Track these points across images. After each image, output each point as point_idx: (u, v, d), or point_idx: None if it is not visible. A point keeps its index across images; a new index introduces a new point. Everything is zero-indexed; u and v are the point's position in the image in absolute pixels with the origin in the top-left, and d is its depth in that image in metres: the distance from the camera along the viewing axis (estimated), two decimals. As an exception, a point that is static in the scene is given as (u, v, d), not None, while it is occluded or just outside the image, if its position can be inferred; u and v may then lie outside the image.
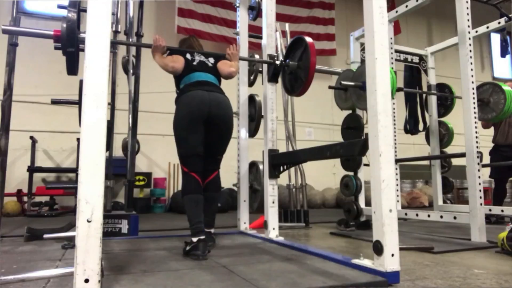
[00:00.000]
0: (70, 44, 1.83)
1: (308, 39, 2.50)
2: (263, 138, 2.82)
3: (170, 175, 6.81)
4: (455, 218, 2.96)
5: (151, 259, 2.03)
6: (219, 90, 2.46)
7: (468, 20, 2.92)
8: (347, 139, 3.60)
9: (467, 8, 2.94)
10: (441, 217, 3.09)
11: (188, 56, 2.52)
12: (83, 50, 1.49)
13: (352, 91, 3.27)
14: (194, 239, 2.13)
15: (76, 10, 1.88)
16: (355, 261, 1.77)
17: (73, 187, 4.76)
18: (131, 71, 3.73)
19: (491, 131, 4.58)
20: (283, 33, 4.89)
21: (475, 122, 2.86)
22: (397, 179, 3.86)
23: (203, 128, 2.31)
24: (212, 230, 2.52)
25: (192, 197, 2.27)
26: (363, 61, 3.95)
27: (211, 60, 2.59)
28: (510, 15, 3.71)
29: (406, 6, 3.48)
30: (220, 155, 2.54)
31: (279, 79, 2.83)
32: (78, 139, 4.85)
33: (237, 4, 3.43)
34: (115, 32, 3.61)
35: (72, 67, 1.93)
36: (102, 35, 1.44)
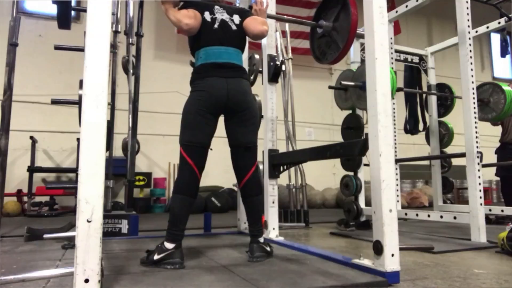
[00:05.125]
0: None
1: None
2: (263, 138, 2.82)
3: (170, 175, 6.81)
4: (455, 218, 2.96)
5: (151, 259, 2.02)
6: (238, 72, 2.09)
7: (468, 20, 2.92)
8: (347, 139, 3.60)
9: (467, 8, 2.94)
10: (441, 217, 3.09)
11: (207, 15, 2.07)
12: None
13: (352, 91, 3.28)
14: (169, 246, 1.84)
15: None
16: (355, 261, 1.77)
17: (73, 187, 4.76)
18: (131, 71, 3.73)
19: (494, 131, 4.58)
20: (283, 33, 4.89)
21: (475, 122, 2.86)
22: (397, 179, 3.86)
23: (216, 121, 2.06)
24: (261, 239, 2.10)
25: (185, 200, 1.94)
26: (363, 61, 3.95)
27: (236, 19, 2.14)
28: (510, 15, 3.71)
29: (406, 6, 3.49)
30: (251, 144, 2.13)
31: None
32: (78, 139, 4.84)
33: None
34: (115, 32, 3.61)
35: (64, 19, 1.60)
36: (102, 35, 1.44)
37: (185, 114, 2.01)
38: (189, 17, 1.99)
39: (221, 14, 2.12)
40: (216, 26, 2.07)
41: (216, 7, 2.13)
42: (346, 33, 2.02)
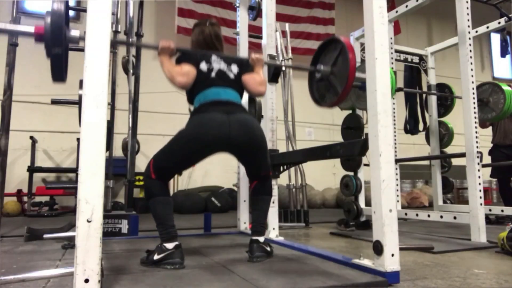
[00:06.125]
0: (55, 42, 1.48)
1: (344, 39, 2.06)
2: (263, 138, 2.82)
3: (170, 175, 6.80)
4: (455, 218, 2.96)
5: (151, 259, 2.02)
6: (241, 109, 2.03)
7: (468, 20, 2.92)
8: (347, 139, 3.60)
9: (467, 8, 2.94)
10: (441, 217, 3.09)
11: (204, 65, 2.04)
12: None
13: (352, 91, 3.27)
14: (169, 246, 1.82)
15: (64, 2, 1.52)
16: (355, 261, 1.77)
17: (73, 187, 4.77)
18: (131, 71, 3.73)
19: (489, 131, 4.59)
20: (283, 33, 4.90)
21: (475, 122, 2.86)
22: (397, 179, 3.86)
23: (205, 157, 2.01)
24: (261, 239, 2.07)
25: (160, 199, 1.89)
26: (363, 61, 3.95)
27: (234, 69, 2.12)
28: (510, 15, 3.71)
29: (406, 6, 3.48)
30: (264, 172, 2.15)
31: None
32: (78, 139, 4.84)
33: (237, 4, 3.43)
34: (115, 32, 3.61)
35: (59, 72, 1.58)
36: (102, 35, 1.44)
37: (175, 145, 1.93)
38: (181, 75, 1.95)
39: (218, 64, 2.08)
40: (213, 75, 2.04)
41: (213, 56, 2.09)
42: (344, 78, 2.00)
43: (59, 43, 1.50)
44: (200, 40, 2.17)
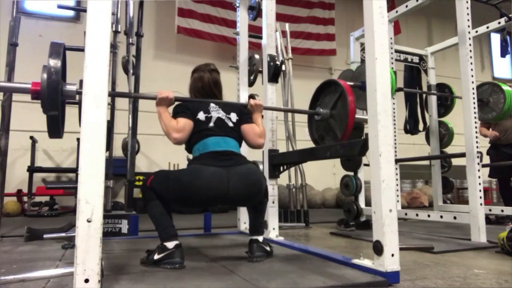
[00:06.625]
0: (52, 105, 1.48)
1: (343, 83, 2.08)
2: (263, 138, 2.82)
3: (170, 175, 6.80)
4: (455, 218, 2.96)
5: (151, 259, 2.02)
6: (240, 159, 2.02)
7: (468, 20, 2.92)
8: (347, 139, 3.60)
9: (467, 8, 2.94)
10: (441, 217, 3.09)
11: (202, 115, 2.03)
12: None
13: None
14: (170, 245, 1.81)
15: (61, 58, 1.50)
16: (355, 261, 1.77)
17: (73, 187, 4.76)
18: (131, 71, 3.73)
19: None
20: (283, 33, 4.90)
21: (475, 122, 2.86)
22: (397, 179, 3.86)
23: (201, 207, 1.96)
24: (260, 238, 2.08)
25: (157, 202, 1.90)
26: (363, 61, 3.95)
27: (233, 117, 2.12)
28: (510, 15, 3.71)
29: (406, 6, 3.48)
30: (262, 199, 2.15)
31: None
32: (78, 139, 4.84)
33: (237, 4, 3.43)
34: (115, 32, 3.61)
35: (56, 128, 1.56)
36: (102, 35, 1.44)
37: (172, 184, 1.90)
38: (177, 131, 1.94)
39: (216, 112, 2.08)
40: (211, 124, 2.04)
41: (212, 105, 2.09)
42: (344, 124, 2.01)
43: (55, 102, 1.49)
44: (199, 87, 2.16)
